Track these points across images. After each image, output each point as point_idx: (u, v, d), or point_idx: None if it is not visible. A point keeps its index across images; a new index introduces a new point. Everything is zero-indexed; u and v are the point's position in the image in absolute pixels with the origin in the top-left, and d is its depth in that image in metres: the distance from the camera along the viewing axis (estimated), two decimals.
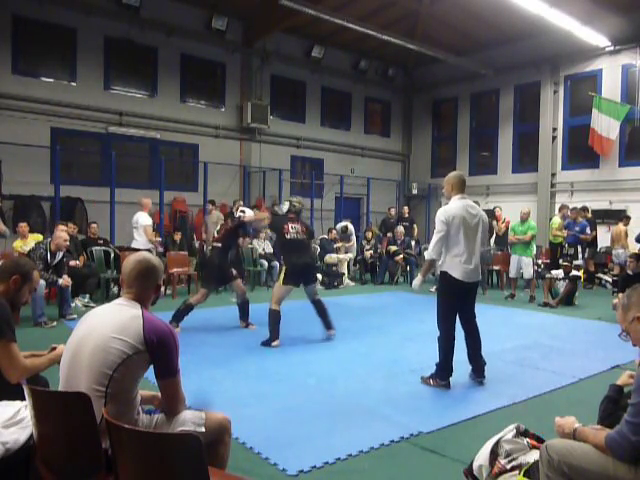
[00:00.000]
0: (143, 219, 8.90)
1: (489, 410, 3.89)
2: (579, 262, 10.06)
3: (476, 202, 10.04)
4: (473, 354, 4.59)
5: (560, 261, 9.48)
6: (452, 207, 4.44)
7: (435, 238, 4.41)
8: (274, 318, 5.83)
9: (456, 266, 4.37)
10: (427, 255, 4.60)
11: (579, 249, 10.52)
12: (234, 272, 6.73)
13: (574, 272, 8.91)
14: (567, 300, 8.76)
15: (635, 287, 2.22)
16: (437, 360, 4.54)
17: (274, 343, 5.77)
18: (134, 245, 8.86)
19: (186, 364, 2.75)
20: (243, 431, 3.27)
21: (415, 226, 12.86)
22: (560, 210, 11.55)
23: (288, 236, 5.97)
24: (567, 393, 4.40)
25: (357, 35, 12.95)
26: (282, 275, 5.96)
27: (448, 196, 4.61)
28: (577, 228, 10.57)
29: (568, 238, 10.51)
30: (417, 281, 4.83)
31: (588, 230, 10.61)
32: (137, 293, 2.18)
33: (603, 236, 11.57)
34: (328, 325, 6.14)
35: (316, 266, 6.22)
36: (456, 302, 4.51)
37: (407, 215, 12.90)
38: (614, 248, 10.97)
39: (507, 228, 11.15)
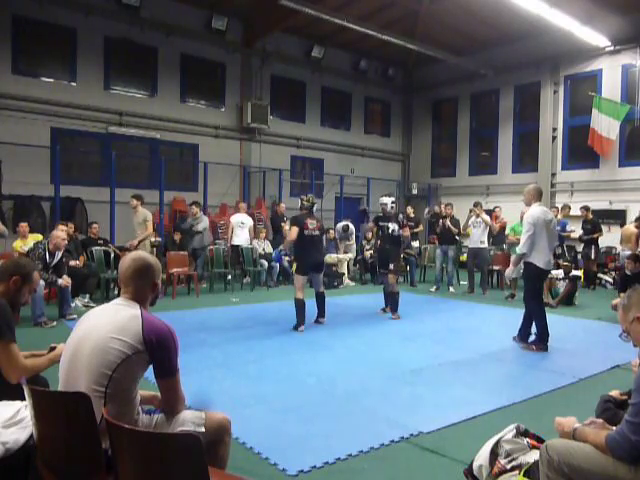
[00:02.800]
0: (248, 220, 10.58)
1: (489, 410, 3.89)
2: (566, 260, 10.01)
3: (478, 202, 10.22)
4: None
5: (560, 261, 9.47)
6: (536, 211, 5.63)
7: (525, 237, 5.58)
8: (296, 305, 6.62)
9: (541, 257, 5.58)
10: (519, 250, 5.74)
11: (564, 248, 10.50)
12: (391, 266, 7.43)
13: (574, 272, 8.92)
14: (567, 300, 8.76)
15: (635, 287, 2.23)
16: (525, 330, 5.88)
17: (299, 328, 6.49)
18: (236, 242, 10.34)
19: (186, 364, 2.75)
20: (243, 431, 3.26)
21: (421, 226, 12.78)
22: (561, 210, 11.57)
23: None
24: (567, 393, 4.39)
25: (357, 35, 12.95)
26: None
27: (528, 203, 5.79)
28: (558, 227, 10.55)
29: None
30: (509, 271, 6.28)
31: (568, 227, 10.62)
32: (134, 292, 2.18)
33: (603, 236, 11.55)
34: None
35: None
36: (540, 285, 5.84)
37: (412, 215, 12.73)
38: (623, 249, 10.71)
39: (502, 228, 11.17)
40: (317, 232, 6.73)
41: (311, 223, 6.68)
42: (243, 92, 13.33)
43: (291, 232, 6.69)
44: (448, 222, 10.25)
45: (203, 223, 9.87)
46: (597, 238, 11.05)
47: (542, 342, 5.70)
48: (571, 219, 11.47)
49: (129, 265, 2.19)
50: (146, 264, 2.21)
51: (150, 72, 12.12)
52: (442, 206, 11.13)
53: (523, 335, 5.91)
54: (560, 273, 8.96)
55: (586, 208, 11.34)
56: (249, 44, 13.25)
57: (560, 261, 9.43)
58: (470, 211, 10.05)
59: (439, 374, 4.87)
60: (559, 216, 10.88)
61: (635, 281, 6.95)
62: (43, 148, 10.13)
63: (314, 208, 6.93)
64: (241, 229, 10.46)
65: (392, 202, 7.59)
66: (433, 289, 10.36)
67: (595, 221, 11.26)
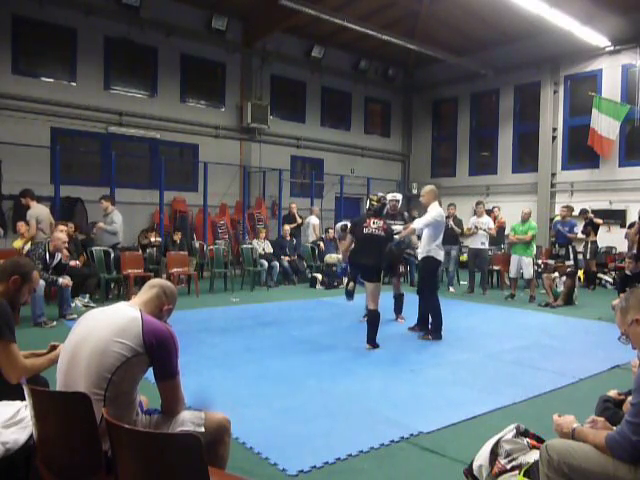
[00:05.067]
0: (314, 219, 12.29)
1: (489, 410, 3.89)
2: (570, 262, 10.00)
3: (480, 202, 10.25)
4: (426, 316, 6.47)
5: (553, 262, 9.49)
6: (439, 210, 6.25)
7: (425, 221, 6.12)
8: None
9: (439, 252, 6.26)
10: (416, 227, 6.21)
11: (570, 249, 10.46)
12: (401, 269, 7.30)
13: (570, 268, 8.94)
14: (568, 299, 8.77)
15: (633, 290, 2.23)
16: (418, 320, 6.60)
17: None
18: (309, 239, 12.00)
19: (186, 364, 2.75)
20: (243, 431, 3.26)
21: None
22: (566, 211, 11.53)
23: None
24: (567, 393, 4.40)
25: (357, 35, 12.94)
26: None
27: (427, 203, 6.24)
28: (566, 227, 10.54)
29: (558, 238, 10.47)
30: (403, 233, 6.45)
31: (576, 229, 10.57)
32: (142, 302, 2.21)
33: (603, 236, 11.57)
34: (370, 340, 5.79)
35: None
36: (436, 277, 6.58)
37: (415, 215, 12.87)
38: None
39: (499, 228, 11.17)
40: (381, 232, 5.78)
41: (375, 222, 5.82)
42: (243, 92, 13.33)
43: (344, 241, 6.40)
44: (451, 222, 10.24)
45: (116, 225, 8.73)
46: (596, 232, 11.07)
47: (439, 333, 6.24)
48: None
49: (153, 282, 2.33)
50: (166, 287, 2.32)
51: (150, 72, 12.11)
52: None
53: (422, 325, 6.48)
54: (556, 275, 8.98)
55: (585, 211, 11.37)
56: (249, 44, 13.25)
57: (555, 262, 9.43)
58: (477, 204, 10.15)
59: (439, 374, 4.87)
60: (567, 217, 10.79)
61: (635, 281, 6.97)
62: (43, 148, 10.13)
63: (384, 210, 6.22)
64: (306, 229, 12.08)
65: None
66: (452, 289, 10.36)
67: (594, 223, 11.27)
